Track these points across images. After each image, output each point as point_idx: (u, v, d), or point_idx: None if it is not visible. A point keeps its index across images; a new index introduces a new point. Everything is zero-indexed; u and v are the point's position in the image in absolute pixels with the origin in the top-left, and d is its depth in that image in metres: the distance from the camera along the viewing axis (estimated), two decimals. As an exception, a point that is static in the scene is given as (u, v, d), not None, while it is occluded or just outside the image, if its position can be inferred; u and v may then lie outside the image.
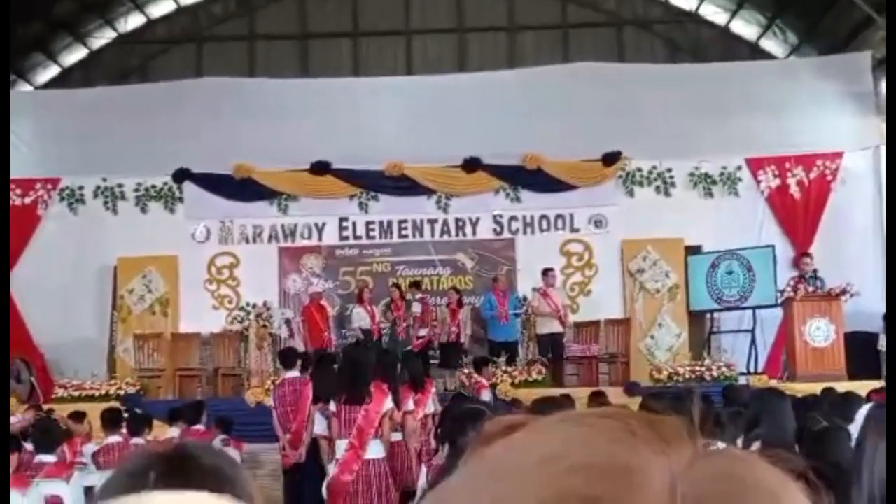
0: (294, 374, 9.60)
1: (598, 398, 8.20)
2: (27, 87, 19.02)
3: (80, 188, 15.94)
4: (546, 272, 14.57)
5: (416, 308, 14.56)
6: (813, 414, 5.50)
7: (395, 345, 14.09)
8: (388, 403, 7.16)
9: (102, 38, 19.64)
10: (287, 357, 10.12)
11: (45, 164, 15.82)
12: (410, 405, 7.57)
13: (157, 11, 19.97)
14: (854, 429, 4.57)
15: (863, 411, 5.69)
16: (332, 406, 7.21)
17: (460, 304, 14.80)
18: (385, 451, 7.12)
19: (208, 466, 1.28)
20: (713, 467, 0.46)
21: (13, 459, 6.22)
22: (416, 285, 15.22)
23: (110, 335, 15.51)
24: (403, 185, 15.83)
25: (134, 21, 19.78)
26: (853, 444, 4.14)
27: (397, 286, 15.08)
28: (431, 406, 8.78)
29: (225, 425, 10.09)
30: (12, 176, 15.57)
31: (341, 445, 7.05)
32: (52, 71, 19.57)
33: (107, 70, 19.51)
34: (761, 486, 0.46)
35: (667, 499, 0.43)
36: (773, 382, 11.91)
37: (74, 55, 19.72)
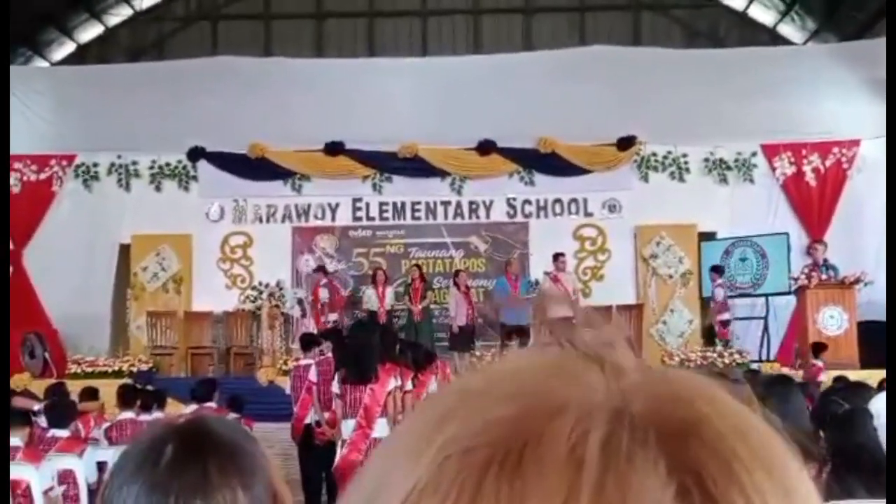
0: (334, 353, 9.59)
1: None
2: (43, 64, 19.06)
3: (95, 165, 15.98)
4: (557, 256, 14.55)
5: (324, 294, 14.46)
6: (833, 398, 5.48)
7: (412, 327, 14.11)
8: (393, 382, 7.19)
9: (119, 15, 19.65)
10: (328, 336, 10.09)
11: (60, 140, 15.85)
12: (409, 385, 7.59)
13: (173, -11, 19.95)
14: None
15: (875, 401, 5.68)
16: (335, 387, 7.22)
17: (468, 286, 14.78)
18: (391, 430, 7.13)
19: (223, 440, 1.28)
20: (645, 369, 0.48)
21: (25, 433, 6.26)
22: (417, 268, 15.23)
23: (123, 312, 15.58)
24: (417, 166, 15.81)
25: (150, -2, 19.77)
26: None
27: (418, 266, 15.08)
28: (435, 387, 8.77)
29: (237, 404, 10.12)
30: (28, 152, 15.63)
31: (348, 425, 7.07)
32: (69, 47, 19.60)
33: (122, 47, 19.55)
34: (690, 376, 0.48)
35: (605, 389, 0.46)
36: (786, 370, 11.88)
37: (90, 32, 19.74)
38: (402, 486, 0.45)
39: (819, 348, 11.44)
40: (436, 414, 0.47)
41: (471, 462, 0.44)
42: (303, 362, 9.81)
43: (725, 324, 13.99)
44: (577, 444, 0.43)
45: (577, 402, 0.45)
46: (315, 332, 12.14)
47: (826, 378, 10.01)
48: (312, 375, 8.94)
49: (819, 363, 11.04)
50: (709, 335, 14.52)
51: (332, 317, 14.37)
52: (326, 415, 8.70)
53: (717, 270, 14.34)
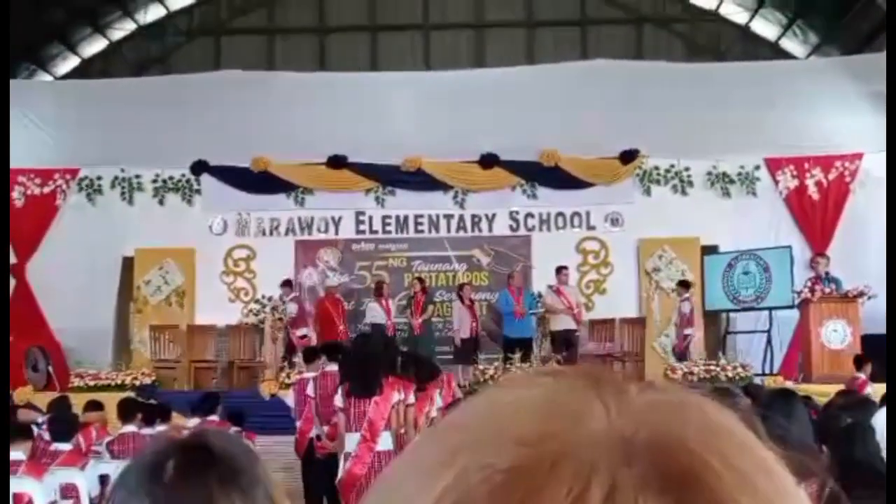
0: (334, 367, 9.60)
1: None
2: (47, 78, 19.13)
3: (99, 178, 16.01)
4: (560, 270, 14.55)
5: (291, 308, 14.49)
6: (836, 412, 5.46)
7: (415, 341, 14.11)
8: (397, 395, 7.19)
9: (122, 29, 19.74)
10: (330, 349, 10.10)
11: (64, 153, 15.88)
12: (412, 398, 7.58)
13: (176, 3, 20.08)
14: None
15: (880, 415, 5.66)
16: (339, 401, 7.21)
17: (472, 299, 14.79)
18: (395, 444, 7.13)
19: (225, 455, 1.29)
20: (648, 399, 0.48)
21: (27, 447, 6.26)
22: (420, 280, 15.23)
23: (126, 325, 15.58)
24: (420, 179, 15.83)
25: (154, 13, 19.87)
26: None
27: (419, 279, 15.11)
28: (440, 401, 8.76)
29: (238, 418, 10.12)
30: (32, 165, 15.66)
31: (353, 439, 7.07)
32: (73, 62, 19.69)
33: (126, 62, 19.63)
34: (693, 405, 0.48)
35: (606, 434, 0.45)
36: (789, 384, 11.85)
37: (94, 46, 19.84)
38: None
39: (862, 360, 11.22)
40: (436, 456, 0.47)
41: None
42: (305, 376, 9.81)
43: (688, 339, 13.99)
44: (576, 499, 0.43)
45: (576, 449, 0.44)
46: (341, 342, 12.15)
47: (871, 390, 9.88)
48: (310, 390, 8.99)
49: (862, 376, 10.84)
50: (713, 348, 14.50)
51: (303, 331, 14.39)
52: (326, 428, 8.73)
53: (683, 285, 14.34)
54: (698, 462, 0.44)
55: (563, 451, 0.44)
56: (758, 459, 0.47)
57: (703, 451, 0.45)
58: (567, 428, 0.45)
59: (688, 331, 14.02)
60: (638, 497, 0.42)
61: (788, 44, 19.28)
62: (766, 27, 19.37)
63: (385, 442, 7.02)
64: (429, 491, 0.45)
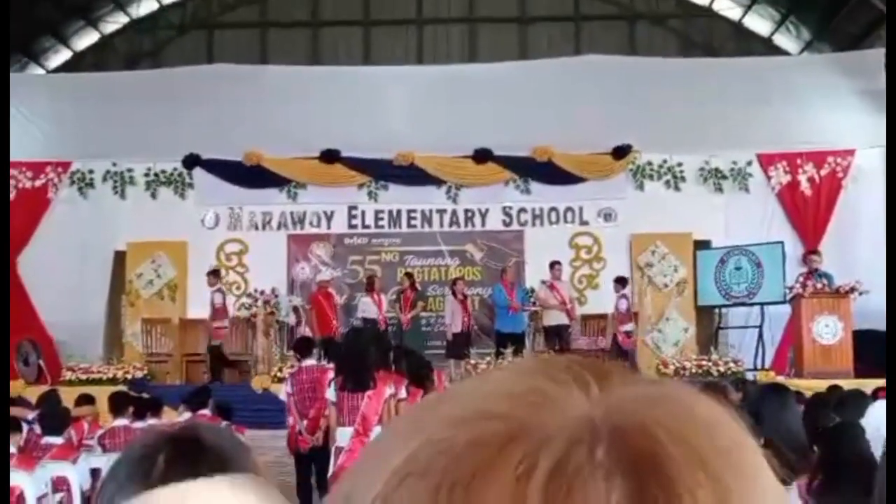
0: (311, 361, 9.70)
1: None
2: (39, 71, 19.06)
3: (91, 172, 15.97)
4: (553, 265, 14.56)
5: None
6: (825, 411, 5.48)
7: (401, 335, 14.10)
8: (389, 390, 7.19)
9: (115, 22, 19.67)
10: (304, 345, 10.18)
11: (56, 147, 15.84)
12: (403, 393, 7.58)
13: (169, -3, 19.99)
14: (865, 425, 4.55)
15: (872, 409, 5.67)
16: (331, 395, 7.22)
17: (465, 293, 14.78)
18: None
19: (216, 449, 1.28)
20: (628, 391, 0.47)
21: (17, 439, 6.25)
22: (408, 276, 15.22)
23: (118, 319, 15.55)
24: (413, 174, 15.81)
25: (146, 6, 19.81)
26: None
27: (409, 275, 15.11)
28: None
29: (225, 412, 10.11)
30: (24, 158, 15.61)
31: (346, 433, 7.06)
32: (65, 55, 19.62)
33: (119, 55, 19.57)
34: (674, 398, 0.47)
35: (584, 422, 0.45)
36: (780, 379, 11.88)
37: (87, 39, 19.77)
38: (365, 497, 0.46)
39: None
40: (405, 429, 0.48)
41: (424, 486, 0.44)
42: (305, 364, 9.86)
43: (629, 335, 14.00)
44: (523, 474, 0.43)
45: (539, 428, 0.44)
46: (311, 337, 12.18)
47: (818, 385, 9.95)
48: (287, 386, 9.10)
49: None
50: (704, 343, 14.55)
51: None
52: (305, 423, 8.83)
53: (620, 282, 14.34)
54: (658, 446, 0.44)
55: (525, 428, 0.44)
56: (725, 450, 0.46)
57: (666, 437, 0.44)
58: (537, 410, 0.45)
59: (627, 326, 14.02)
60: (587, 475, 0.42)
61: (781, 40, 19.29)
62: (759, 23, 19.39)
63: (378, 437, 7.01)
64: (391, 459, 0.46)
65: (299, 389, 9.31)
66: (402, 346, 10.64)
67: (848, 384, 9.30)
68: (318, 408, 8.84)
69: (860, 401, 6.64)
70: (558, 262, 14.64)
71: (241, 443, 1.38)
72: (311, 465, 8.88)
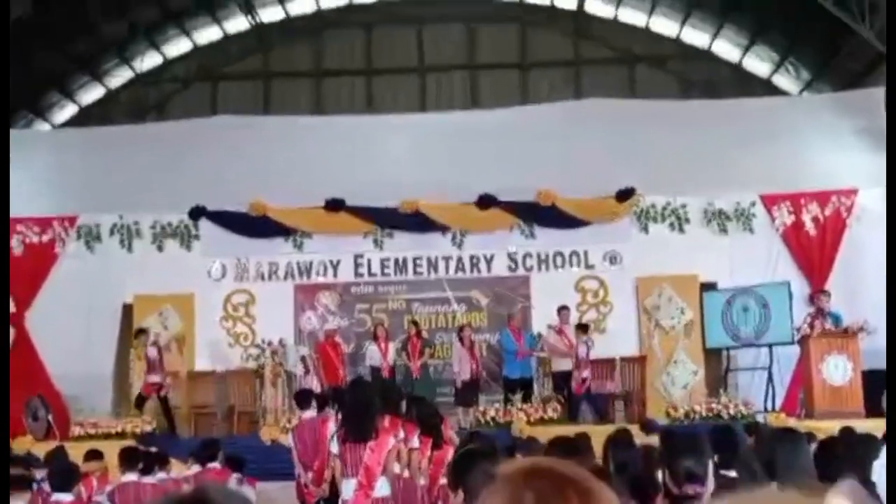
0: (311, 413, 9.68)
1: (622, 435, 8.03)
2: (46, 126, 19.23)
3: (97, 225, 16.01)
4: (561, 309, 14.52)
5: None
6: (838, 463, 5.43)
7: (410, 384, 14.03)
8: (393, 440, 7.13)
9: (120, 76, 19.87)
10: (302, 398, 10.18)
11: (62, 201, 15.91)
12: (416, 442, 7.52)
13: (173, 51, 20.23)
14: (875, 475, 4.52)
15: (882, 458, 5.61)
16: (334, 446, 7.17)
17: (472, 340, 14.73)
18: (391, 489, 7.07)
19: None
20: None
21: (26, 499, 6.22)
22: (414, 324, 15.20)
23: (126, 372, 15.52)
24: (418, 221, 15.84)
25: (151, 60, 20.02)
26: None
27: (415, 323, 15.09)
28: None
29: (237, 464, 10.06)
30: (30, 214, 15.68)
31: (350, 485, 7.01)
32: (71, 110, 19.81)
33: (124, 108, 19.76)
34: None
35: None
36: (791, 420, 11.81)
37: (92, 94, 19.97)
38: None
39: None
40: None
41: None
42: (305, 416, 9.89)
43: (585, 381, 13.77)
44: None
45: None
46: (312, 389, 12.20)
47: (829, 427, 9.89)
48: (291, 438, 9.11)
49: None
50: (714, 386, 14.47)
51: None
52: (310, 475, 8.80)
53: (581, 328, 14.09)
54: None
55: None
56: None
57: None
58: None
59: (585, 373, 13.69)
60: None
61: (781, 80, 19.43)
62: (758, 64, 19.53)
63: (382, 488, 6.96)
64: None
65: (301, 442, 9.30)
66: (413, 394, 10.60)
67: (860, 425, 9.24)
68: (321, 459, 8.81)
69: (871, 443, 6.60)
70: (566, 307, 14.60)
71: (246, 501, 1.39)
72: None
